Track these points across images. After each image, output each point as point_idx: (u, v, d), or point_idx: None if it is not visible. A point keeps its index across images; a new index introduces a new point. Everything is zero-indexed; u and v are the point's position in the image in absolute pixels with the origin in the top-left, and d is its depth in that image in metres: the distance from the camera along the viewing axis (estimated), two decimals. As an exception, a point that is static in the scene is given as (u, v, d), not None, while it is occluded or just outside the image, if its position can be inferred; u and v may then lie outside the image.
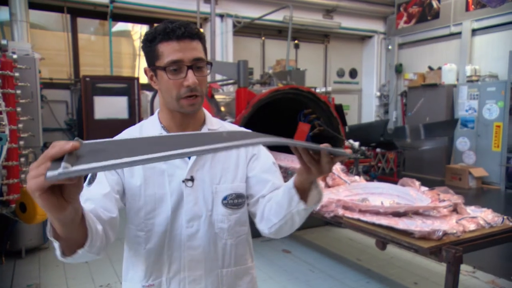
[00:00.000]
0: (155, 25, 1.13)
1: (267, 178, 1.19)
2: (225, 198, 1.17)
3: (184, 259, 1.14)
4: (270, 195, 1.16)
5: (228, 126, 1.28)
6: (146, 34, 1.11)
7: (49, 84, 6.80)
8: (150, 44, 1.09)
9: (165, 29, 1.06)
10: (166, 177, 1.13)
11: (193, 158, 1.15)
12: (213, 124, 1.23)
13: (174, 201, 1.13)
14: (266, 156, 1.24)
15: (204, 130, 1.19)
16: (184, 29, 1.06)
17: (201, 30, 1.12)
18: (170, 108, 1.14)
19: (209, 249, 1.16)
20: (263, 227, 1.17)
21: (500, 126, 7.41)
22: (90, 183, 1.09)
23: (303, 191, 1.04)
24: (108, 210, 1.05)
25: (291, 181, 1.05)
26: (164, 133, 1.16)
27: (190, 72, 1.07)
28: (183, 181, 1.13)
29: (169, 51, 1.06)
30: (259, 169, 1.21)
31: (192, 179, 1.14)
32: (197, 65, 1.09)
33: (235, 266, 1.21)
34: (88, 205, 1.00)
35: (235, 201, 1.18)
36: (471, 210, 2.84)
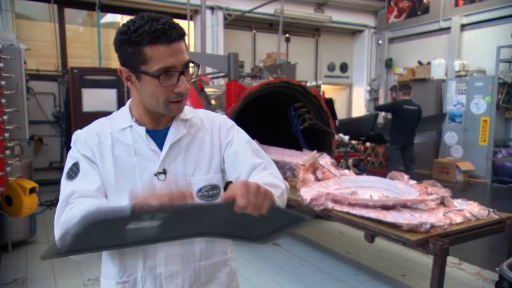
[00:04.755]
0: (128, 18, 1.03)
1: (239, 164, 1.16)
2: (199, 190, 1.14)
3: (160, 254, 1.11)
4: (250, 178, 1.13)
5: (201, 114, 1.24)
6: (127, 34, 1.00)
7: (36, 76, 6.68)
8: (133, 46, 0.99)
9: (155, 32, 0.97)
10: (137, 170, 1.10)
11: (165, 150, 1.11)
12: (186, 114, 1.19)
13: None
14: (237, 139, 1.21)
15: (177, 121, 1.15)
16: (175, 32, 1.00)
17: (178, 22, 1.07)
18: (150, 109, 1.10)
19: (186, 243, 1.13)
20: None
21: (487, 120, 7.51)
22: (71, 177, 1.06)
23: None
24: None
25: None
26: (135, 125, 1.12)
27: (182, 79, 1.03)
28: (155, 175, 1.10)
29: (159, 56, 0.99)
30: (232, 156, 1.18)
31: (164, 172, 1.11)
32: (187, 68, 1.05)
33: (212, 259, 1.19)
34: (90, 202, 0.99)
35: (209, 192, 1.16)
36: (458, 203, 2.88)
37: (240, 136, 1.23)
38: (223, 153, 1.20)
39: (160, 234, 0.83)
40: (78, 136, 1.12)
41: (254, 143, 1.24)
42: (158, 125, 1.14)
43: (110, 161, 1.09)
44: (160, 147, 1.12)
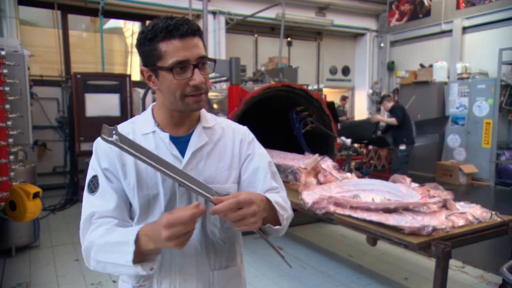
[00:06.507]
0: (148, 22, 1.08)
1: (257, 182, 1.19)
2: None
3: (175, 261, 1.13)
4: None
5: (223, 122, 1.26)
6: (144, 32, 1.05)
7: (39, 81, 6.73)
8: (149, 43, 1.03)
9: (167, 27, 1.01)
10: (159, 177, 1.10)
11: (187, 156, 1.12)
12: (208, 121, 1.21)
13: (167, 202, 1.11)
14: (259, 157, 1.23)
15: (199, 128, 1.17)
16: (187, 26, 1.02)
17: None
18: (171, 108, 1.11)
19: (201, 250, 1.14)
20: None
21: (490, 123, 7.49)
22: (92, 191, 1.10)
23: None
24: (126, 220, 1.10)
25: None
26: (158, 130, 1.14)
27: (196, 71, 1.04)
28: None
29: (173, 50, 1.01)
30: (252, 171, 1.20)
31: None
32: (201, 63, 1.06)
33: (226, 268, 1.20)
34: (110, 223, 1.06)
35: None
36: (460, 206, 2.87)
37: (262, 154, 1.25)
38: (241, 166, 1.21)
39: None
40: (99, 145, 1.12)
41: (274, 165, 1.27)
42: (179, 131, 1.15)
43: (132, 168, 1.10)
44: (182, 153, 1.13)
